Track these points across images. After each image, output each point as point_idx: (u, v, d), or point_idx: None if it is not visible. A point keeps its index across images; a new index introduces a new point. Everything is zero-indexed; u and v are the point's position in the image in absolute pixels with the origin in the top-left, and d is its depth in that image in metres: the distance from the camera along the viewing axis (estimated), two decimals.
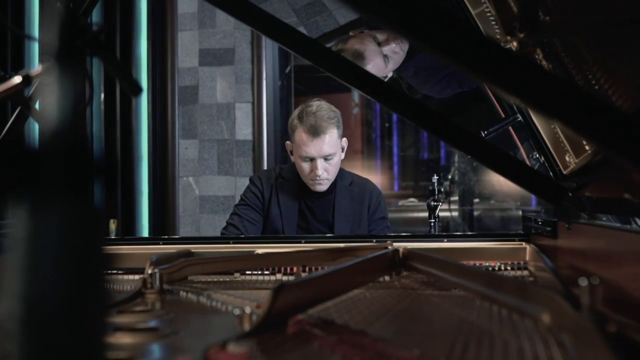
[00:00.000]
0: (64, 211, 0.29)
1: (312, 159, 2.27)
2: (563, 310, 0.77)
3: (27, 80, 0.93)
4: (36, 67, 0.97)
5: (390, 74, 2.29)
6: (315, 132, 2.23)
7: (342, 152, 2.37)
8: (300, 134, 2.26)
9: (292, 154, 2.36)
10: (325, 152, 2.25)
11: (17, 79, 0.93)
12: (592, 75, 1.20)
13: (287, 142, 2.38)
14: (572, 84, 0.90)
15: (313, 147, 2.24)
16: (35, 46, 3.57)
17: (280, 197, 2.36)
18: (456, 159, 5.76)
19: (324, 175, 2.28)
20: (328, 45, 3.49)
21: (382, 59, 2.19)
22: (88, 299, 0.31)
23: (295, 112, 2.34)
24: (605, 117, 0.73)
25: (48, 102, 0.30)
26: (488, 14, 1.61)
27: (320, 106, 2.29)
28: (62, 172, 0.29)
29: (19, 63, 3.57)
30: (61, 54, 0.33)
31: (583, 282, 0.73)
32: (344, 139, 2.37)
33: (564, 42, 1.34)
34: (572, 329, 0.75)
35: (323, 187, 2.32)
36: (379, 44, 2.20)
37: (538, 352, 0.74)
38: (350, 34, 2.32)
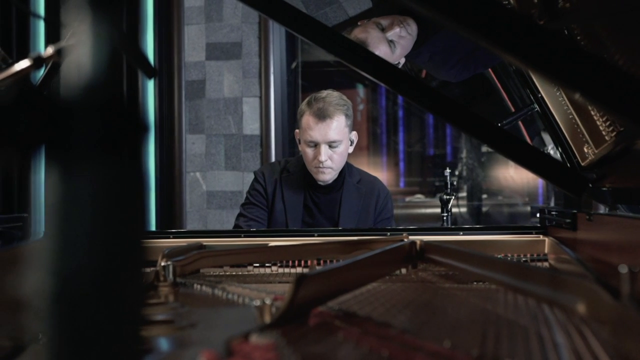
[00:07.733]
0: (100, 174, 0.26)
1: (316, 145, 2.22)
2: (601, 300, 0.73)
3: (39, 62, 0.89)
4: (47, 49, 0.93)
5: (402, 60, 2.22)
6: (322, 115, 2.19)
7: (352, 145, 2.31)
8: (307, 118, 2.22)
9: (299, 143, 2.31)
10: (330, 138, 2.20)
11: (25, 63, 0.89)
12: (612, 62, 1.17)
13: (297, 129, 2.34)
14: (601, 61, 0.87)
15: (318, 131, 2.20)
16: (41, 25, 3.43)
17: (285, 192, 2.32)
18: (464, 154, 5.71)
19: (328, 163, 2.22)
20: None
21: (387, 45, 2.12)
22: (125, 273, 0.28)
23: (306, 99, 2.31)
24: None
25: (81, 54, 0.26)
26: (505, 1, 1.58)
27: (330, 94, 2.27)
28: (98, 129, 0.26)
29: (23, 43, 3.42)
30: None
31: (623, 269, 0.69)
32: (354, 133, 2.32)
33: (584, 29, 1.30)
34: (611, 320, 0.72)
35: (326, 176, 2.26)
36: (383, 30, 2.13)
37: (576, 344, 0.70)
38: (358, 23, 2.26)
